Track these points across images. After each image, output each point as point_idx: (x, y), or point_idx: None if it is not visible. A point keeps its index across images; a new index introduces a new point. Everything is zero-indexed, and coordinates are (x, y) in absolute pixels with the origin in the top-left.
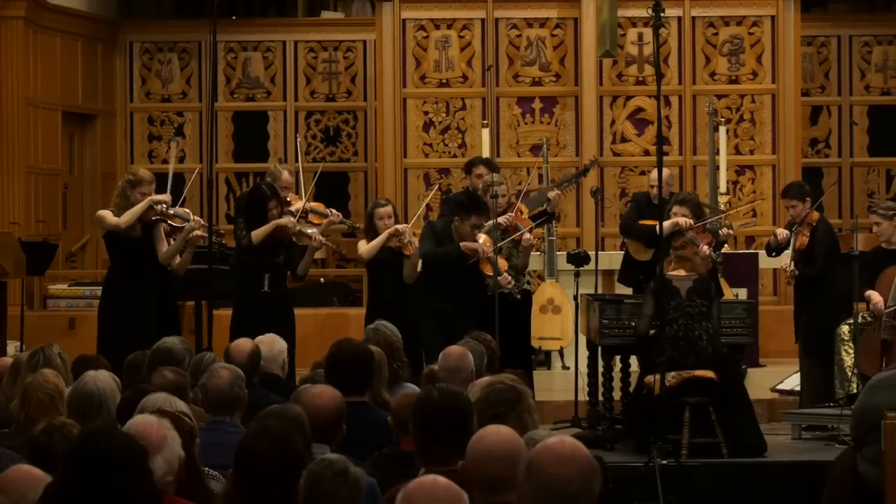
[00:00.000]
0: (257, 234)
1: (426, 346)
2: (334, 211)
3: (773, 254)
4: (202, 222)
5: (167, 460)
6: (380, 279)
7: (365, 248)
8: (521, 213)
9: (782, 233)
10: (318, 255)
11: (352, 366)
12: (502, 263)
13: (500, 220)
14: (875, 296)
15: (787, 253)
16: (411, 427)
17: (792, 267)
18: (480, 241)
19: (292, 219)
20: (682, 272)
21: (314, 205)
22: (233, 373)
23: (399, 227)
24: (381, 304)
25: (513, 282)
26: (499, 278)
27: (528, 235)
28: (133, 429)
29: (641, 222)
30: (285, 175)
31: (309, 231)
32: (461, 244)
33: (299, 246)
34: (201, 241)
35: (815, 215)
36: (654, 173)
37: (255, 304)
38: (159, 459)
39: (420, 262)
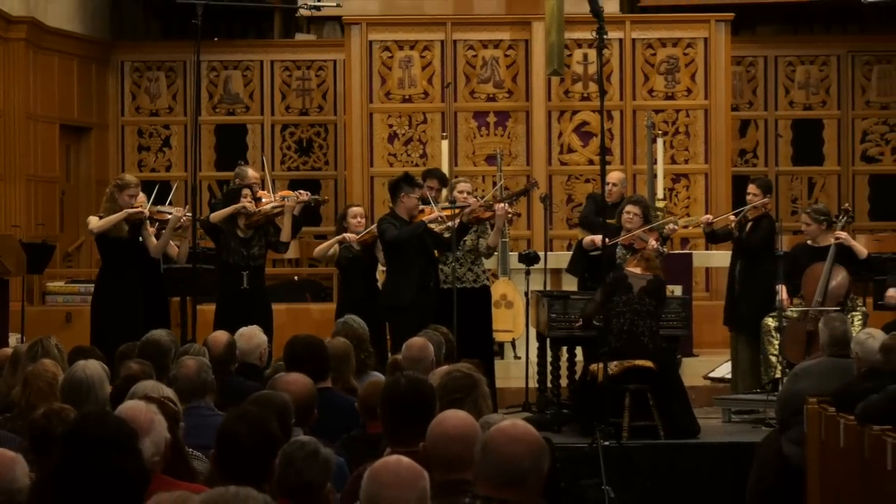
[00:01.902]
0: (216, 214)
1: (400, 335)
2: (301, 191)
3: (712, 235)
4: (186, 211)
5: (155, 442)
6: (351, 278)
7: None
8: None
9: (707, 217)
10: (290, 254)
11: (307, 357)
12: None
13: (470, 201)
14: (783, 291)
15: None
16: (380, 411)
17: (734, 220)
18: (423, 209)
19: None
20: (639, 270)
21: (285, 193)
22: (198, 362)
23: (346, 235)
24: (352, 301)
25: (477, 202)
26: (497, 206)
27: (500, 206)
28: (123, 413)
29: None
30: (251, 172)
31: (277, 203)
32: (424, 219)
33: (274, 228)
34: (188, 225)
35: (770, 207)
36: (611, 174)
37: (236, 300)
38: (147, 441)
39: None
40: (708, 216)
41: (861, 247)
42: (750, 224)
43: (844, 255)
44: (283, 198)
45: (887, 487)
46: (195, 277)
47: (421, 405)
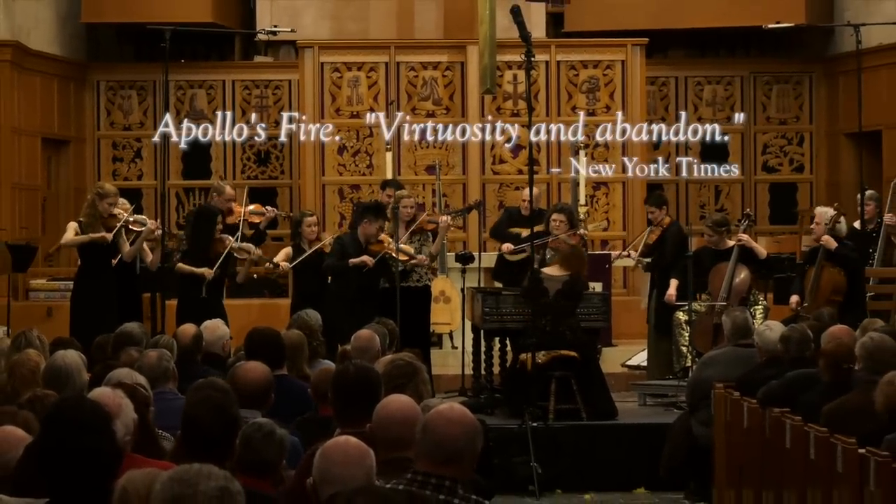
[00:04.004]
0: (183, 268)
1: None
2: (270, 208)
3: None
4: (158, 225)
5: (124, 424)
6: (304, 277)
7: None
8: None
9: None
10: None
11: (265, 347)
12: (408, 249)
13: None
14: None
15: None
16: (330, 395)
17: (637, 257)
18: (381, 238)
19: (230, 238)
20: (556, 271)
21: (253, 207)
22: (159, 352)
23: (281, 265)
24: (305, 297)
25: (426, 259)
26: (416, 258)
27: (444, 218)
28: (94, 399)
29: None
30: (228, 189)
31: (246, 248)
32: (350, 261)
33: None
34: (158, 237)
35: (668, 220)
36: (526, 191)
37: (194, 307)
38: (118, 423)
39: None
40: (618, 252)
41: (761, 248)
42: (656, 243)
43: (746, 255)
44: (254, 213)
45: (786, 463)
46: (164, 276)
47: (367, 390)
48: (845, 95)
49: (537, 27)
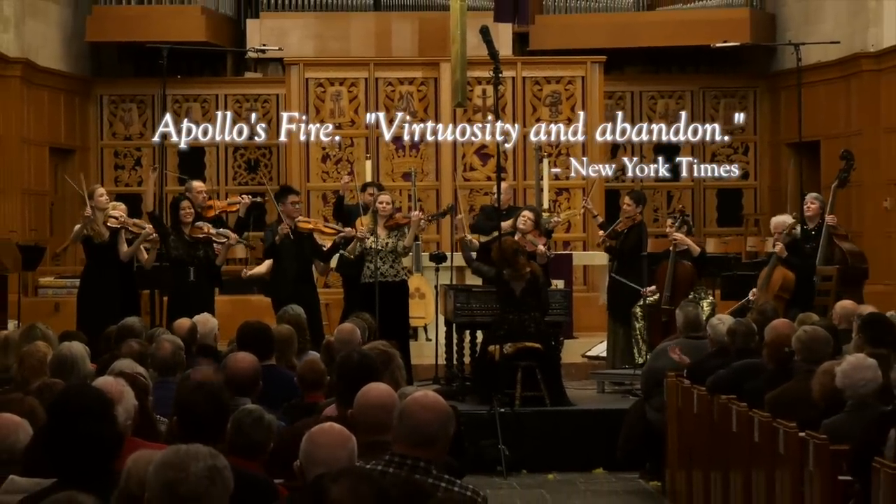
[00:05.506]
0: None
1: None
2: (244, 195)
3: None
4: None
5: (125, 409)
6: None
7: (249, 273)
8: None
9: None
10: (240, 254)
11: (255, 339)
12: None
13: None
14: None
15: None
16: (335, 378)
17: (603, 235)
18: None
19: (208, 224)
20: (513, 281)
21: (230, 199)
22: (174, 344)
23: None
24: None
25: (363, 233)
26: (345, 231)
27: (416, 213)
28: (98, 387)
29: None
30: (196, 184)
31: (224, 233)
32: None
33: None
34: (155, 241)
35: (639, 218)
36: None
37: (184, 290)
38: (119, 409)
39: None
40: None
41: (694, 245)
42: (625, 232)
43: (683, 252)
44: (230, 203)
45: (732, 446)
46: (160, 274)
47: (367, 376)
48: (787, 108)
49: (504, 46)
